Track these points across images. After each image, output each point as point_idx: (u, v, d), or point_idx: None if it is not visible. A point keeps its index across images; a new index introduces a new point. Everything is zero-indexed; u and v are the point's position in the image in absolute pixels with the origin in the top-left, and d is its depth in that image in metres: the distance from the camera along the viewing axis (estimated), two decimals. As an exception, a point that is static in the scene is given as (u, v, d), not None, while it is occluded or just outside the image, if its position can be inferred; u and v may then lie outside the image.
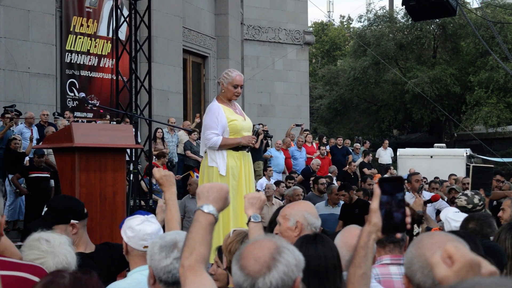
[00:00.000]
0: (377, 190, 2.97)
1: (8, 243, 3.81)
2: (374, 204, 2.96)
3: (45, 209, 5.19)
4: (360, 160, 23.15)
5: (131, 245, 4.53)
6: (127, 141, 8.76)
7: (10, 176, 14.54)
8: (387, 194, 2.94)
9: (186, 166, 18.22)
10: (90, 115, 18.84)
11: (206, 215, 3.02)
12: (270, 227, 5.61)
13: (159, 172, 5.02)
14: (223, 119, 7.97)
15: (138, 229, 4.51)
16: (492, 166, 13.56)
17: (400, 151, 28.52)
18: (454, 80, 37.79)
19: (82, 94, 9.64)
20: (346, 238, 4.29)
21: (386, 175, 3.02)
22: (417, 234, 6.42)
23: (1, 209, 3.37)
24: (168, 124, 15.74)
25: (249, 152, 8.29)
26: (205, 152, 8.10)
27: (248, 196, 4.55)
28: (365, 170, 22.13)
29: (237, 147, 8.05)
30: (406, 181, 12.58)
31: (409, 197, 11.83)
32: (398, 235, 3.00)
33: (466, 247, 2.71)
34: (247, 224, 4.37)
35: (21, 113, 15.85)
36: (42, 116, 16.38)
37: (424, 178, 17.42)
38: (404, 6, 13.65)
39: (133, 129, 10.24)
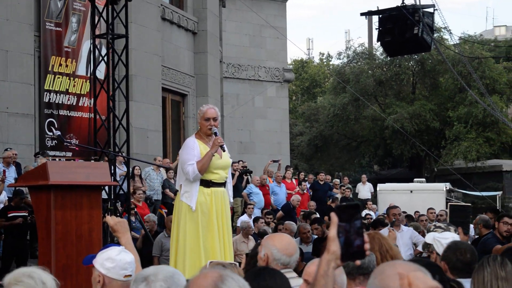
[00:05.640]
0: (334, 218, 2.97)
1: None
2: (332, 232, 2.95)
3: None
4: (339, 195, 23.20)
5: (111, 275, 4.52)
6: (103, 179, 8.78)
7: None
8: (344, 222, 2.97)
9: (165, 204, 18.16)
10: (69, 154, 18.78)
11: None
12: (251, 262, 5.64)
13: (113, 220, 5.21)
14: (198, 153, 7.97)
15: (118, 258, 4.53)
16: (469, 204, 13.59)
17: (380, 186, 28.63)
18: (434, 116, 38.09)
19: (58, 132, 9.70)
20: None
21: (344, 204, 3.00)
22: None
23: None
24: (144, 161, 15.72)
25: (225, 187, 8.29)
26: (180, 185, 8.10)
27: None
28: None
29: (208, 184, 8.00)
30: (385, 214, 12.58)
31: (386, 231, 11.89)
32: (358, 262, 3.02)
33: (428, 275, 2.75)
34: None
35: None
36: (13, 156, 16.09)
37: (404, 212, 17.44)
38: (379, 42, 13.83)
39: (109, 167, 10.24)
